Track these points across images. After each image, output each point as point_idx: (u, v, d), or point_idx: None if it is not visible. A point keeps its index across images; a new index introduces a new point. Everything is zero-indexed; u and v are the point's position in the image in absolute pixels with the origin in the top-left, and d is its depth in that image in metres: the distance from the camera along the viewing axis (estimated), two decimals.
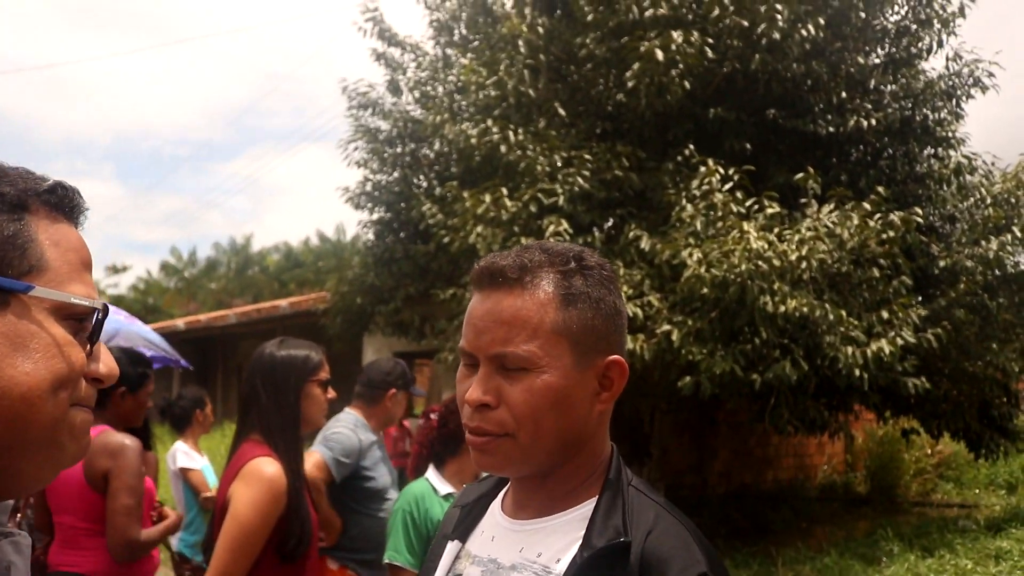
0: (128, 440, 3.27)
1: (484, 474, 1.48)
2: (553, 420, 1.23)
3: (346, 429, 4.02)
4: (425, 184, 10.61)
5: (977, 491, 13.28)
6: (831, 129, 8.76)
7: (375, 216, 11.19)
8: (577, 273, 1.27)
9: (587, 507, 1.27)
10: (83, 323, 0.88)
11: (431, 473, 3.29)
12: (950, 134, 9.37)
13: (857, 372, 6.78)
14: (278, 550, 2.68)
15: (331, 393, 3.01)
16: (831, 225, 7.28)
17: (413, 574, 3.20)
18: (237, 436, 2.90)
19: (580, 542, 1.22)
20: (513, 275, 1.24)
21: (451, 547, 1.40)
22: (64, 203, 0.92)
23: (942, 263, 8.91)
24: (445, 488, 3.21)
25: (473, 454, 1.28)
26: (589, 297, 1.26)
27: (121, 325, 5.11)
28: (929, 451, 13.73)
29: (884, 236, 7.31)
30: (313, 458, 3.79)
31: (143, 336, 5.28)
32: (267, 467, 2.68)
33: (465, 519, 1.44)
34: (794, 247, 6.87)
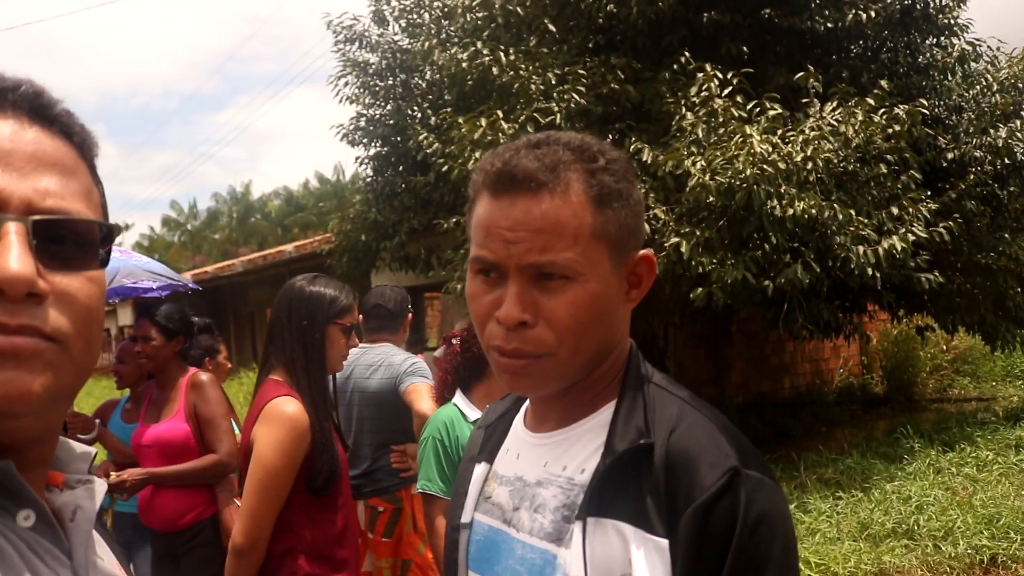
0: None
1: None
2: (594, 331, 1.14)
3: (415, 356, 4.13)
4: (419, 114, 10.44)
5: (994, 384, 13.32)
6: (829, 25, 8.53)
7: (372, 151, 11.04)
8: (604, 169, 1.15)
9: (608, 411, 1.20)
10: None
11: (459, 398, 3.26)
12: (952, 21, 9.14)
13: (869, 271, 6.69)
14: (308, 486, 2.67)
15: (354, 340, 2.96)
16: (835, 123, 7.12)
17: (447, 502, 3.17)
18: (261, 371, 2.88)
19: (603, 449, 1.15)
20: (544, 178, 1.11)
21: (479, 469, 1.36)
22: None
23: (950, 155, 8.78)
24: (474, 413, 3.17)
25: (505, 378, 1.18)
26: (620, 194, 1.15)
27: (119, 262, 4.98)
28: (944, 347, 13.74)
29: (889, 131, 7.16)
30: (428, 388, 3.83)
31: (144, 268, 5.14)
32: (287, 406, 2.65)
33: (490, 439, 1.39)
34: (798, 148, 6.73)
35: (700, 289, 6.75)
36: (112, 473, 3.88)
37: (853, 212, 6.80)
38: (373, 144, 10.92)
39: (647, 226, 6.84)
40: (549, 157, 1.13)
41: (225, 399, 4.11)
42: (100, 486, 0.84)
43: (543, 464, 1.23)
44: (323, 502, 2.72)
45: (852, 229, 6.83)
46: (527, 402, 1.35)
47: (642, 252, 1.20)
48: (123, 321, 25.78)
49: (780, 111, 7.21)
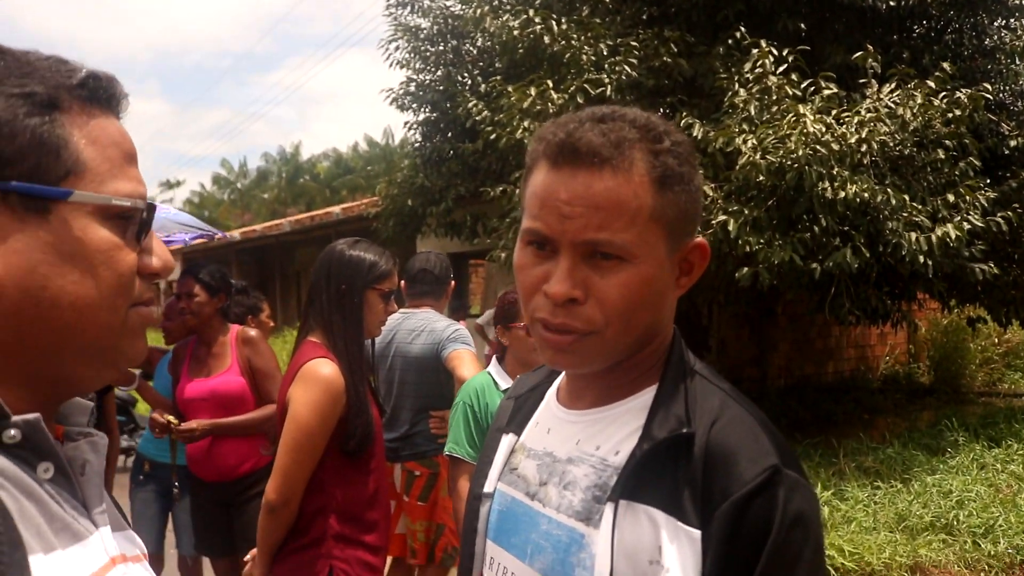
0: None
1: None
2: (642, 315, 1.13)
3: (457, 323, 4.16)
4: (469, 81, 10.38)
5: None
6: (891, 3, 8.29)
7: (421, 117, 11.00)
8: (668, 151, 1.12)
9: (647, 395, 1.18)
10: (130, 220, 0.86)
11: (493, 367, 3.35)
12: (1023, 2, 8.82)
13: (921, 259, 6.53)
14: (341, 448, 2.71)
15: (393, 306, 2.96)
16: (892, 105, 6.93)
17: (472, 466, 3.26)
18: (300, 332, 2.91)
19: (640, 433, 1.13)
20: (607, 153, 1.08)
21: (506, 440, 1.35)
22: (99, 95, 0.86)
23: (1013, 142, 8.51)
24: (505, 382, 3.27)
25: (548, 353, 1.16)
26: (682, 178, 1.13)
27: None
28: (996, 340, 13.45)
29: (950, 115, 6.95)
30: (471, 355, 3.89)
31: (175, 221, 5.24)
32: (323, 368, 2.69)
33: (519, 411, 1.38)
34: (853, 130, 6.57)
35: (746, 269, 6.64)
36: (170, 419, 3.98)
37: (907, 197, 6.64)
38: (422, 109, 10.89)
39: None
40: (614, 133, 1.10)
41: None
42: (102, 440, 0.89)
43: (575, 441, 1.22)
44: (356, 464, 2.77)
45: (905, 215, 6.67)
46: (561, 376, 1.34)
47: (697, 240, 1.18)
48: (171, 276, 26.18)
49: (836, 91, 7.04)
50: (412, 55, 10.54)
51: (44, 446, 0.79)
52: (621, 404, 1.20)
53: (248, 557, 2.82)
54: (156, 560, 4.63)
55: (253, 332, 4.32)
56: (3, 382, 0.80)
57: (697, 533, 1.04)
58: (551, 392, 1.34)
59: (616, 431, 1.18)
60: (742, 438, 1.08)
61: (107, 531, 0.86)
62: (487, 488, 1.33)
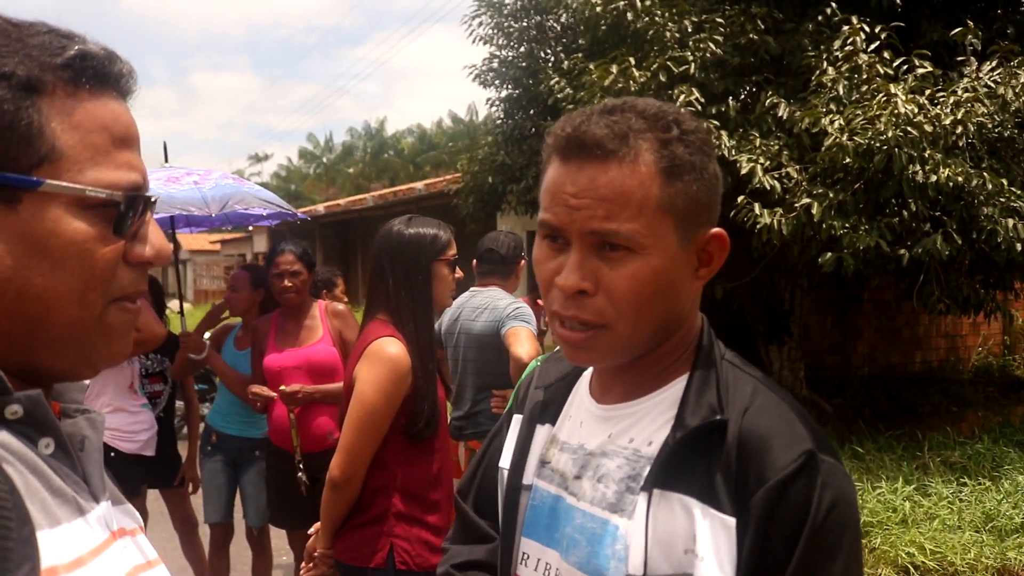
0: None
1: None
2: (655, 307, 1.13)
3: (519, 301, 4.14)
4: (552, 58, 10.26)
5: None
6: None
7: (503, 93, 10.94)
8: (678, 140, 1.11)
9: (678, 386, 1.19)
10: (116, 209, 0.81)
11: None
12: None
13: (1019, 246, 6.26)
14: (406, 430, 2.71)
15: (458, 273, 2.97)
16: (992, 85, 6.61)
17: None
18: (366, 315, 2.90)
19: (672, 422, 1.14)
20: (612, 146, 1.08)
21: (542, 432, 1.35)
22: (87, 75, 0.81)
23: None
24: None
25: (564, 348, 1.17)
26: (693, 167, 1.12)
27: (231, 189, 5.06)
28: None
29: None
30: (528, 332, 3.84)
31: (256, 196, 5.25)
32: (390, 347, 2.68)
33: (552, 401, 1.38)
34: (948, 110, 6.29)
35: (830, 254, 6.45)
36: (282, 387, 4.05)
37: (1005, 182, 6.34)
38: (504, 86, 10.81)
39: (777, 184, 6.55)
40: (620, 125, 1.10)
41: None
42: (99, 417, 0.89)
43: (607, 435, 1.22)
44: (419, 444, 2.76)
45: (1003, 200, 6.38)
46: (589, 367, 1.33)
47: (715, 230, 1.17)
48: (258, 248, 26.72)
49: (931, 69, 6.75)
50: (495, 31, 10.47)
51: (45, 421, 0.78)
52: (652, 397, 1.20)
53: (312, 530, 2.85)
54: (225, 529, 4.72)
55: (341, 306, 4.39)
56: None
57: (732, 521, 1.04)
58: (583, 383, 1.34)
59: (649, 423, 1.18)
60: (775, 424, 1.09)
61: (107, 506, 0.85)
62: (525, 480, 1.33)
